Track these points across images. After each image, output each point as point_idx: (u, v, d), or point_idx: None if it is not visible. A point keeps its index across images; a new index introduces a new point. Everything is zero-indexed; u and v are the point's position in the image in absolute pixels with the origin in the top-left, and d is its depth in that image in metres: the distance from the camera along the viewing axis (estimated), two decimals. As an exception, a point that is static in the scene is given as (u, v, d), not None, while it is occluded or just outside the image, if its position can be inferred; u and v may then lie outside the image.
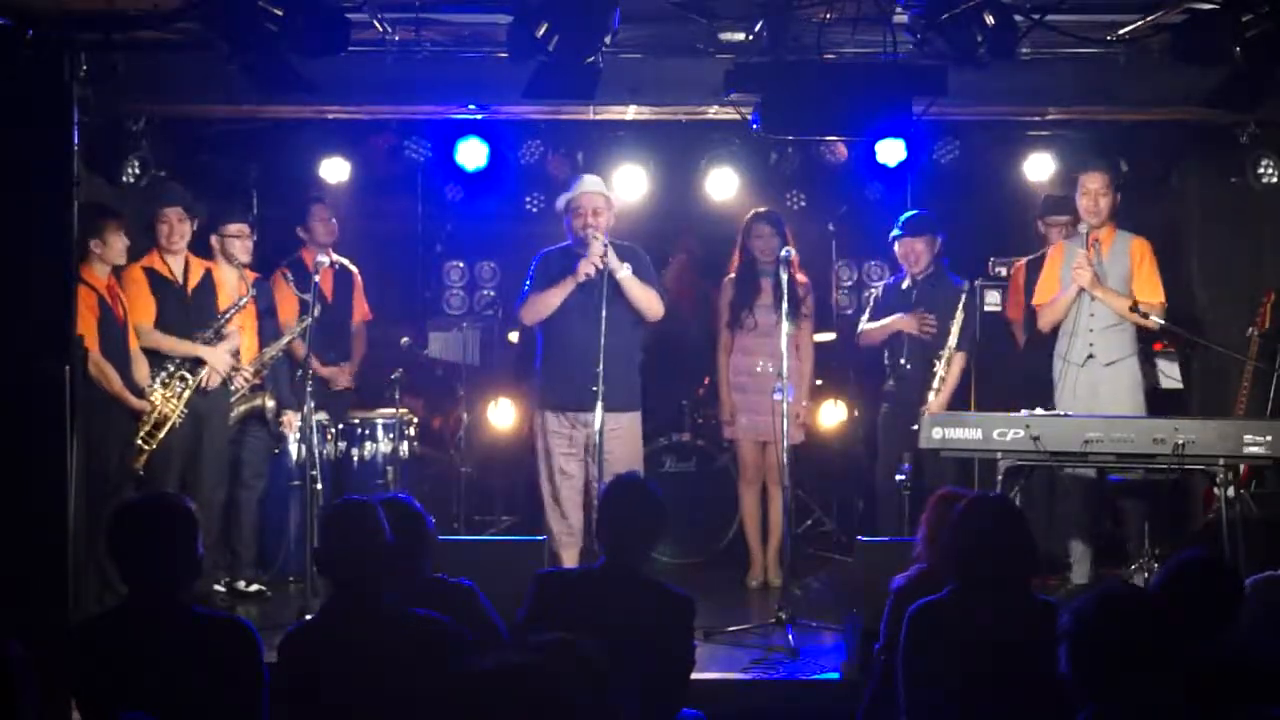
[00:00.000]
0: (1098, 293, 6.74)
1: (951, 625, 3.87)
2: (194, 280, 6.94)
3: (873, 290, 7.63)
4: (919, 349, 7.25)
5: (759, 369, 7.36)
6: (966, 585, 3.91)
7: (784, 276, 6.69)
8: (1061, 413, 6.52)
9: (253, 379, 7.09)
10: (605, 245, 6.65)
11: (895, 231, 7.38)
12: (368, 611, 3.85)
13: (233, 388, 6.97)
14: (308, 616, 5.87)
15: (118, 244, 6.62)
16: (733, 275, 7.56)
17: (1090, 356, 6.79)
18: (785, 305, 6.69)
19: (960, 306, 7.11)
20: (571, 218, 6.82)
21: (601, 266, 6.61)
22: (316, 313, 6.83)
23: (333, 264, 7.60)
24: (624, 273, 6.71)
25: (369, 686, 3.75)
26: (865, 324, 7.43)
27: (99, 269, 6.57)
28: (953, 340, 7.10)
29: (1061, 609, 3.22)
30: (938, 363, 7.10)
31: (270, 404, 7.15)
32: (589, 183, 6.94)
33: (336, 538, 3.98)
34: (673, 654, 4.32)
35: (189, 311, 6.90)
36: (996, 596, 3.87)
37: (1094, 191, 6.81)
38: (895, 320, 7.27)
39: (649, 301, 6.83)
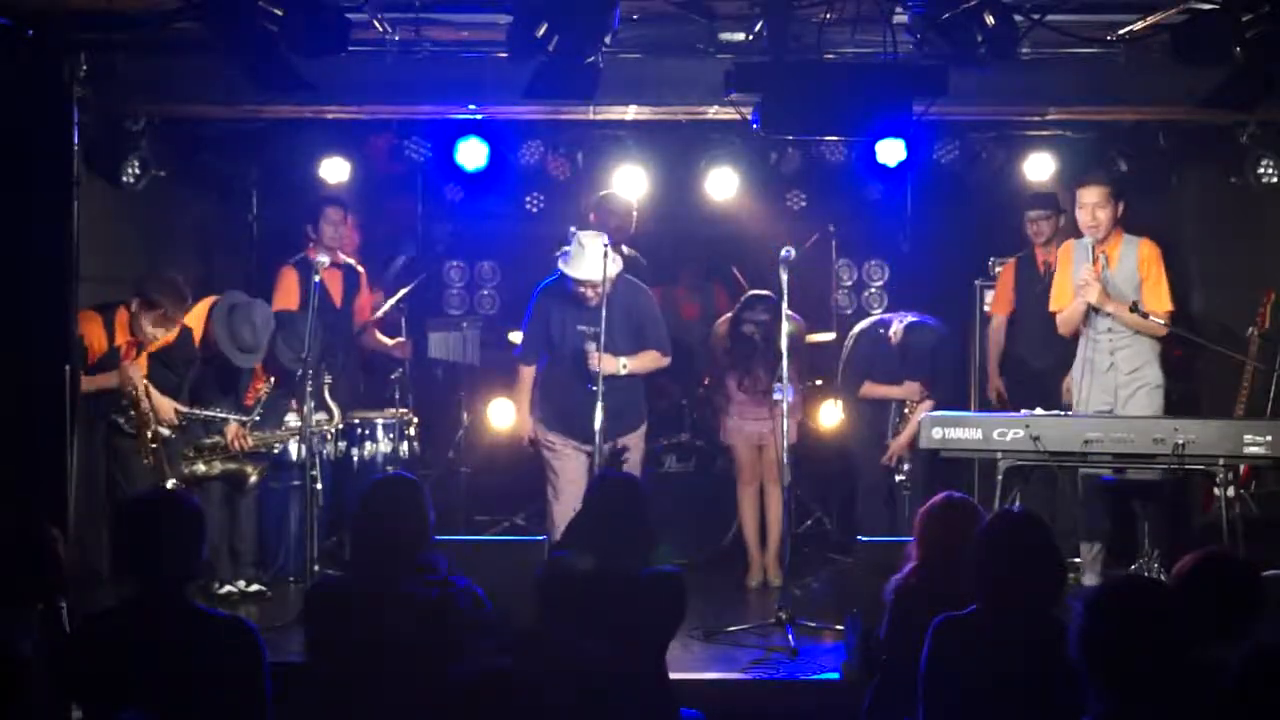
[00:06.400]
0: (1109, 308, 6.65)
1: (976, 644, 3.82)
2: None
3: (852, 333, 7.70)
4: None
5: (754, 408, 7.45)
6: (995, 606, 3.85)
7: (784, 276, 6.68)
8: (1061, 413, 6.51)
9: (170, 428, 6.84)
10: (598, 356, 6.60)
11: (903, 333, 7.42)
12: (390, 586, 3.93)
13: (165, 432, 6.79)
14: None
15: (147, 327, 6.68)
16: (724, 333, 7.58)
17: (1113, 364, 6.75)
18: (784, 304, 6.68)
19: (929, 353, 7.32)
20: (573, 282, 6.71)
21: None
22: (315, 321, 6.79)
23: (338, 264, 7.63)
24: (625, 369, 6.76)
25: (374, 656, 3.80)
26: (868, 384, 7.48)
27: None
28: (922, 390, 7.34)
29: (1074, 598, 3.19)
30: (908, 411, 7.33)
31: (254, 478, 7.09)
32: (590, 268, 6.61)
33: (381, 511, 4.10)
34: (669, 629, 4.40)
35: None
36: (1025, 617, 3.81)
37: (1091, 205, 6.72)
38: (904, 390, 7.36)
39: (656, 366, 6.95)
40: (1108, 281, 6.73)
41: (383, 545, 4.07)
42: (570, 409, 6.77)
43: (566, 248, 6.77)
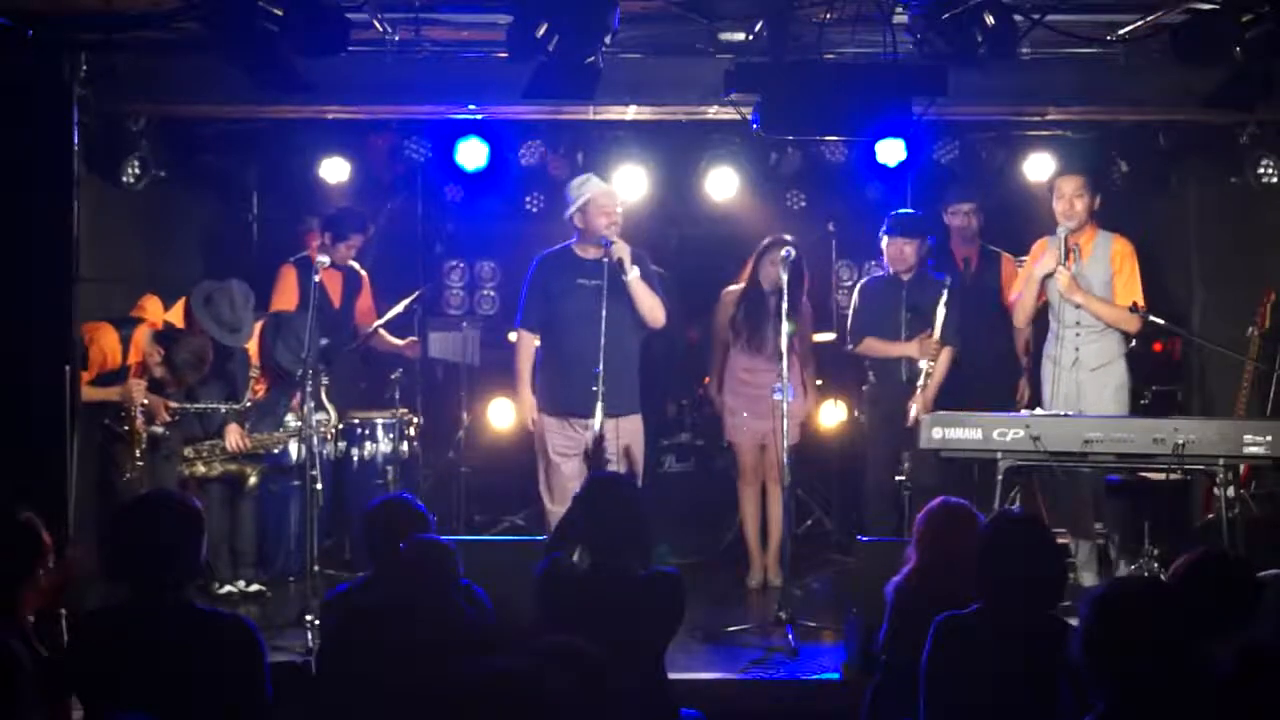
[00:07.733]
0: (1077, 298, 6.72)
1: (977, 643, 3.83)
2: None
3: (856, 285, 7.61)
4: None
5: (759, 381, 7.34)
6: (996, 605, 3.87)
7: (784, 276, 6.67)
8: (1061, 413, 6.52)
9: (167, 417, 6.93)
10: (611, 247, 6.63)
11: (886, 230, 7.37)
12: (408, 597, 3.99)
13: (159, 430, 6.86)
14: (307, 623, 5.89)
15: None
16: (738, 290, 7.53)
17: (1077, 360, 6.78)
18: (785, 304, 6.68)
19: (941, 303, 7.04)
20: (593, 214, 6.74)
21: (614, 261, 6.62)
22: (314, 321, 6.80)
23: (339, 266, 7.63)
24: (633, 275, 6.68)
25: (376, 657, 3.83)
26: (870, 340, 7.32)
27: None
28: (936, 335, 7.05)
29: (1078, 599, 3.20)
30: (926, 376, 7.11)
31: (254, 479, 7.15)
32: (607, 184, 6.95)
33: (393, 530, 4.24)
34: (668, 630, 4.42)
35: None
36: (1025, 616, 3.84)
37: (1069, 195, 6.78)
38: (906, 348, 7.16)
39: (653, 306, 6.80)
40: (1078, 274, 6.76)
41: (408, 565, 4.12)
42: (569, 382, 6.69)
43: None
